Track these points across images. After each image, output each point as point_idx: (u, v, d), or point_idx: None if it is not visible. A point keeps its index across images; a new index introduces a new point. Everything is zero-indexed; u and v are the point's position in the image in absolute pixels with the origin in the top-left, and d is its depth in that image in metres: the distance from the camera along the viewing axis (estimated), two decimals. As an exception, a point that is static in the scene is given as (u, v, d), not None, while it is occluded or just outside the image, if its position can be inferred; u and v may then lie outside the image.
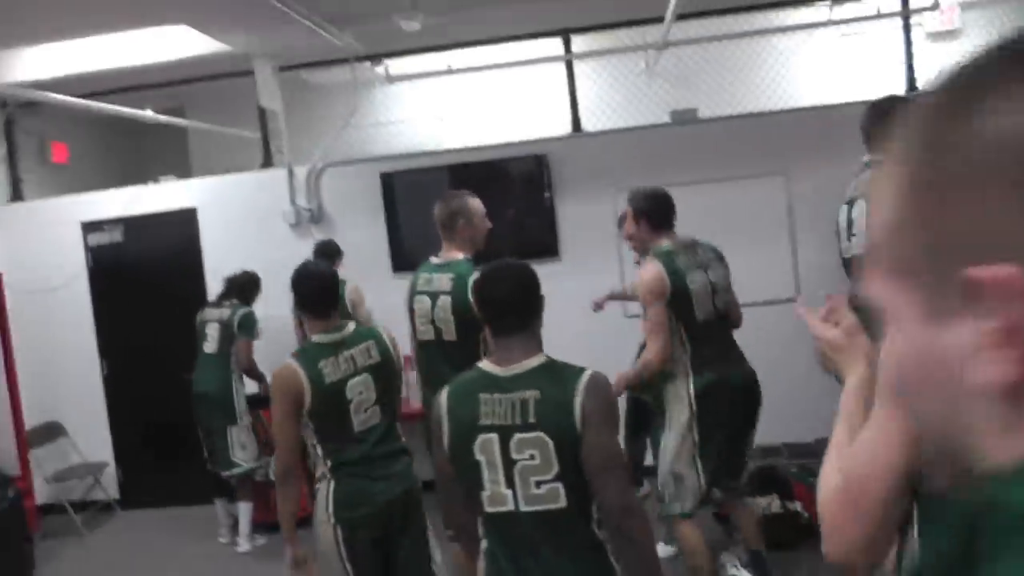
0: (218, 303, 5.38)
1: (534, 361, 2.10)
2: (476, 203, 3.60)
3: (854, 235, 3.33)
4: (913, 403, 0.59)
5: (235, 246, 5.97)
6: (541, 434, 2.00)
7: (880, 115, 3.30)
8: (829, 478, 1.29)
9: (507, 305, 2.13)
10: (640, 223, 3.64)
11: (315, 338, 2.96)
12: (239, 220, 6.06)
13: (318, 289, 2.97)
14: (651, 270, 3.49)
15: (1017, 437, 0.51)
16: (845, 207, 3.41)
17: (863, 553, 1.28)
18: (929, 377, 0.55)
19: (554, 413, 2.02)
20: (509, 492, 2.03)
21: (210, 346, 5.25)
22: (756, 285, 5.58)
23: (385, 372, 2.97)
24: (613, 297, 5.02)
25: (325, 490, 2.85)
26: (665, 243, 3.56)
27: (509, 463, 2.03)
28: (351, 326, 3.02)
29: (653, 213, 3.60)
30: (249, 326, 5.23)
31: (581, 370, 2.09)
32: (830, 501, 1.28)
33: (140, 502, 6.21)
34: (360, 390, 2.88)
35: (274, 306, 5.33)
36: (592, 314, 4.93)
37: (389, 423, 2.97)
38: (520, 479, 2.02)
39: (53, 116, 6.69)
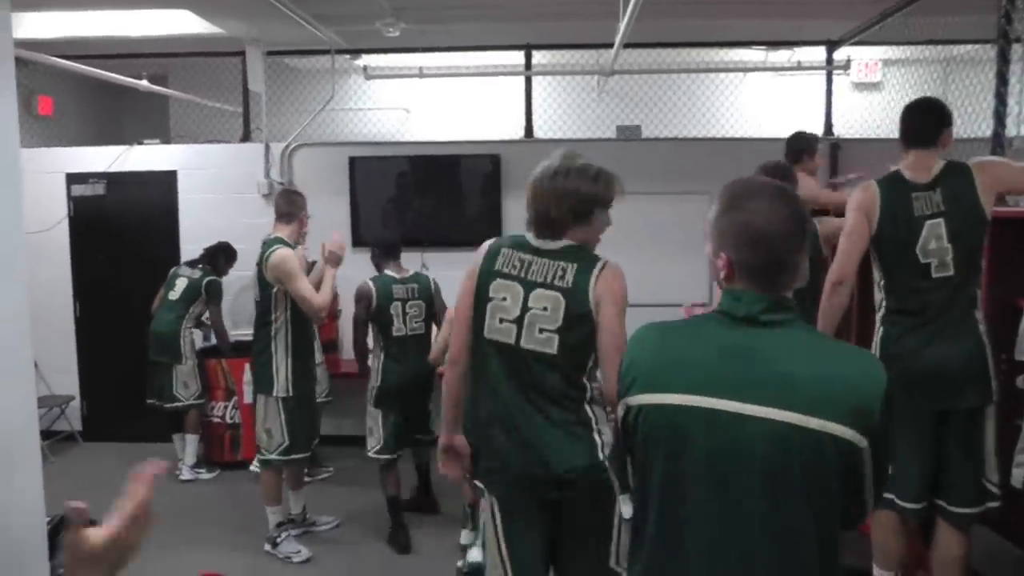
0: (192, 264, 6.05)
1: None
2: None
3: None
4: None
5: (210, 210, 6.53)
6: None
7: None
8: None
9: None
10: None
11: None
12: (215, 186, 6.59)
13: None
14: None
15: None
16: None
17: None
18: None
19: None
20: None
21: (174, 295, 5.92)
22: (673, 288, 6.35)
23: None
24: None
25: None
26: None
27: None
28: None
29: None
30: (214, 292, 5.90)
31: None
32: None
33: (101, 435, 6.66)
34: None
35: (240, 267, 5.99)
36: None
37: None
38: None
39: (42, 71, 6.98)
